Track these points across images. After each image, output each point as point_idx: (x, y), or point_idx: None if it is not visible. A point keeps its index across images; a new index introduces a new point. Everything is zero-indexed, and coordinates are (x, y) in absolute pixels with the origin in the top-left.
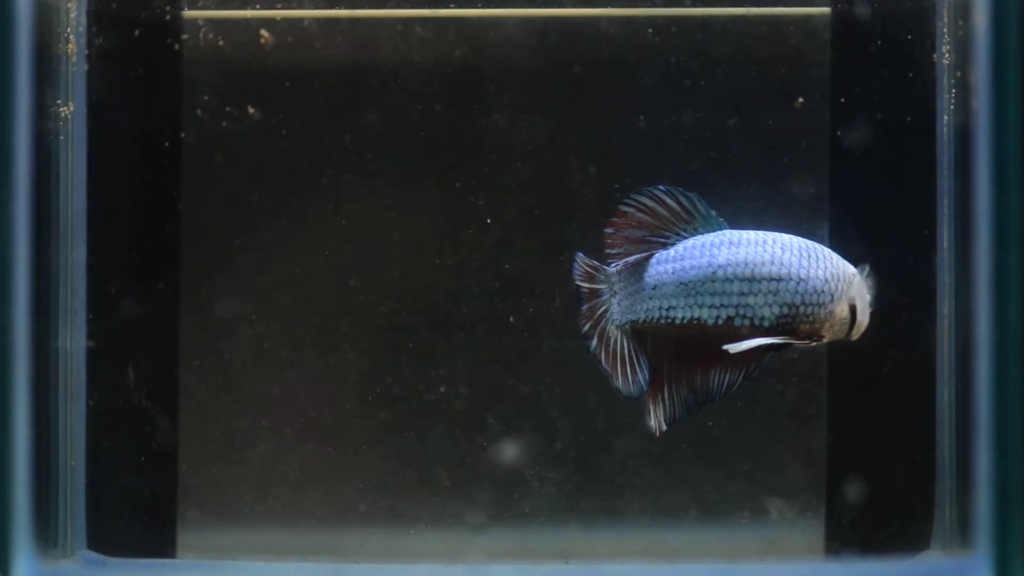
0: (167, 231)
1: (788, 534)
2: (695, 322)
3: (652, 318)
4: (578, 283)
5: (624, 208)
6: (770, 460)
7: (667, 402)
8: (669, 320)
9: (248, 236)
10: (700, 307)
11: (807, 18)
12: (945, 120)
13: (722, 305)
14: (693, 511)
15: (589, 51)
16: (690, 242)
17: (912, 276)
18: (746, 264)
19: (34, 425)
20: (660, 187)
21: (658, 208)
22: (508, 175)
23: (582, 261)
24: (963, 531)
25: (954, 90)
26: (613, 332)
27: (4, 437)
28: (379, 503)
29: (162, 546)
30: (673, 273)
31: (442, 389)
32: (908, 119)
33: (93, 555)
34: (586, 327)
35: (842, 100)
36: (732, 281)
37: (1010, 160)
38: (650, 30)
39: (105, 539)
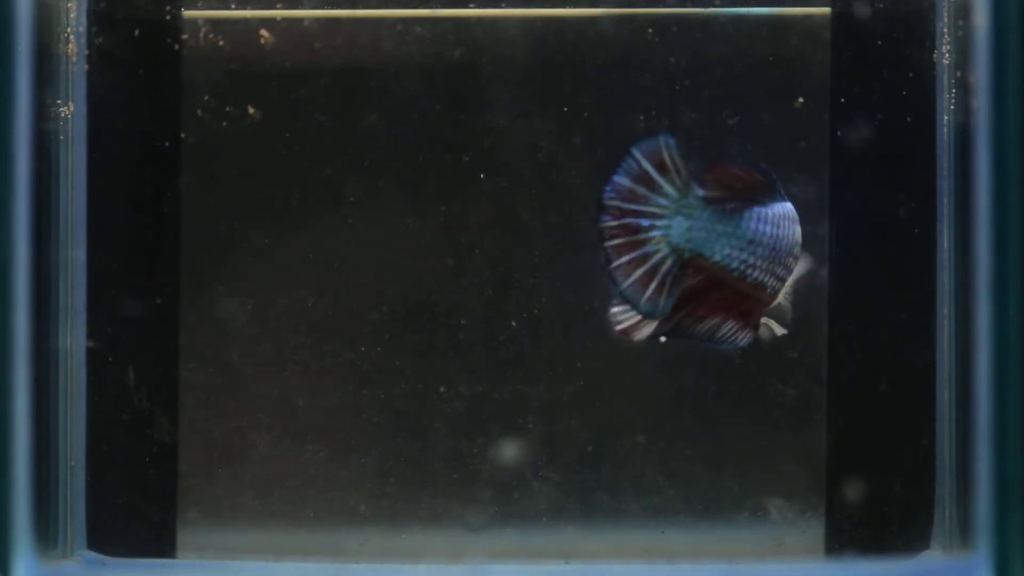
0: (167, 231)
1: (788, 534)
2: (759, 286)
3: (727, 264)
4: (642, 159)
5: (723, 163)
6: (770, 460)
7: (664, 324)
8: (742, 275)
9: (248, 236)
10: (771, 276)
11: (807, 18)
12: (945, 120)
13: (781, 279)
14: (693, 511)
15: (589, 51)
16: (779, 210)
17: (912, 276)
18: (798, 244)
19: (34, 425)
20: (762, 165)
21: (752, 176)
22: (508, 174)
23: (670, 146)
24: (963, 531)
25: (954, 90)
26: (663, 248)
27: (4, 437)
28: (379, 503)
29: (162, 546)
30: (771, 237)
31: (442, 389)
32: (908, 119)
33: (93, 555)
34: (616, 204)
35: (842, 100)
36: (795, 259)
37: (1010, 160)
38: (650, 30)
39: (105, 539)
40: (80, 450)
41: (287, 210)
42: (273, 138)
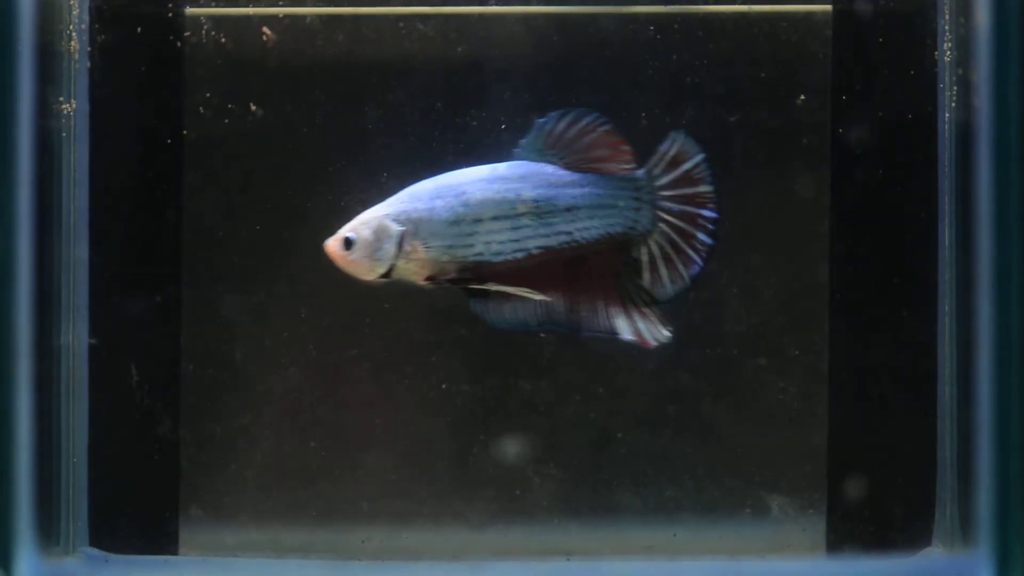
0: (169, 228)
1: (790, 531)
2: None
3: None
4: None
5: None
6: (772, 457)
7: None
8: None
9: (250, 233)
10: None
11: (808, 15)
12: (946, 117)
13: None
14: (695, 508)
15: (591, 48)
16: None
17: (913, 274)
18: None
19: (36, 422)
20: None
21: None
22: None
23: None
24: (964, 528)
25: (955, 87)
26: None
27: (7, 434)
28: (381, 501)
29: (164, 543)
30: None
31: (444, 387)
32: (909, 116)
33: (95, 552)
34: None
35: (843, 97)
36: None
37: (1011, 158)
38: (652, 27)
39: (107, 536)
40: (82, 447)
41: (289, 207)
42: (275, 135)
